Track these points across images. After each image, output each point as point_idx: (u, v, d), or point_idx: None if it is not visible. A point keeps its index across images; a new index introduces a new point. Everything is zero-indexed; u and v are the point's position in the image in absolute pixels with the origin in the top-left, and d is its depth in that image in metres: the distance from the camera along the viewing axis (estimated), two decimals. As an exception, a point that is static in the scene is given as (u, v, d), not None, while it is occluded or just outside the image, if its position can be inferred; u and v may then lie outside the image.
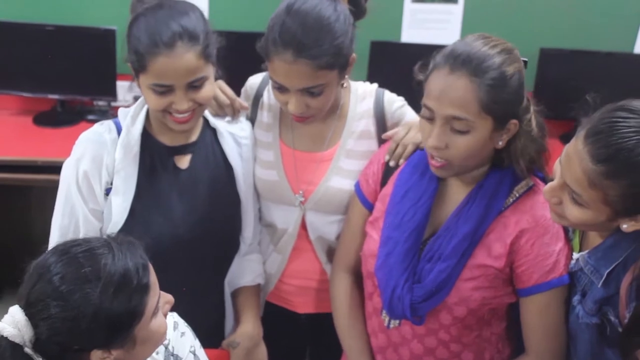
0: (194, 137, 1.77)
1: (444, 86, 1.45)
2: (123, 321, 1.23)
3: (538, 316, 1.57)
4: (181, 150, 1.75)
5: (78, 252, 1.24)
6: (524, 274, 1.55)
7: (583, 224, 1.42)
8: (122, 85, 3.13)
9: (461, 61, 1.44)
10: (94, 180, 1.67)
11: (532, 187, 1.57)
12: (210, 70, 1.64)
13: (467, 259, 1.55)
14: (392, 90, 1.88)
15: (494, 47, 1.46)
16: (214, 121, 1.81)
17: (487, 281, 1.55)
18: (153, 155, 1.72)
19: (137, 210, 1.68)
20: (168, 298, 1.38)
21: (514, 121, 1.49)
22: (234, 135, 1.83)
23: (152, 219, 1.70)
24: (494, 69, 1.43)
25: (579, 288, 1.48)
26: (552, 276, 1.53)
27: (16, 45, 3.16)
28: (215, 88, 1.78)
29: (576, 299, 1.48)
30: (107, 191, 1.68)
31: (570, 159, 1.34)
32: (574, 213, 1.37)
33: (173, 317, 1.56)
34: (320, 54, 1.59)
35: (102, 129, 1.71)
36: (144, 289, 1.26)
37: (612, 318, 1.40)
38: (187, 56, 1.56)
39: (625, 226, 1.35)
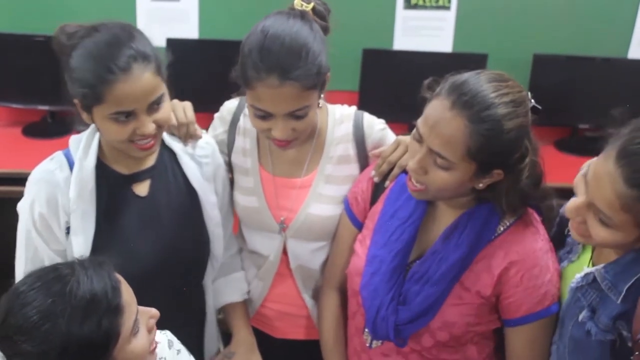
0: (151, 162, 1.68)
1: (439, 119, 1.40)
2: (96, 346, 1.20)
3: (526, 347, 1.55)
4: (139, 177, 1.67)
5: (44, 281, 1.22)
6: (512, 305, 1.52)
7: (609, 245, 1.38)
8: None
9: (464, 102, 1.38)
10: (52, 222, 1.59)
11: (522, 215, 1.54)
12: (165, 88, 1.57)
13: (453, 284, 1.52)
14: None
15: (504, 96, 1.39)
16: (170, 141, 1.73)
17: (472, 309, 1.53)
18: (110, 187, 1.64)
19: (99, 247, 1.59)
20: (152, 313, 1.34)
21: (498, 171, 1.44)
22: (192, 155, 1.75)
23: (116, 255, 1.59)
24: (492, 120, 1.38)
25: (586, 303, 1.43)
26: (541, 307, 1.51)
27: (5, 56, 3.15)
28: (177, 105, 1.73)
29: (585, 315, 1.42)
30: (68, 230, 1.61)
31: (600, 180, 1.29)
32: (600, 234, 1.32)
33: (167, 336, 1.53)
34: (306, 74, 1.54)
35: (53, 165, 1.62)
36: (116, 310, 1.23)
37: (625, 332, 1.35)
38: (144, 77, 1.48)
39: None
